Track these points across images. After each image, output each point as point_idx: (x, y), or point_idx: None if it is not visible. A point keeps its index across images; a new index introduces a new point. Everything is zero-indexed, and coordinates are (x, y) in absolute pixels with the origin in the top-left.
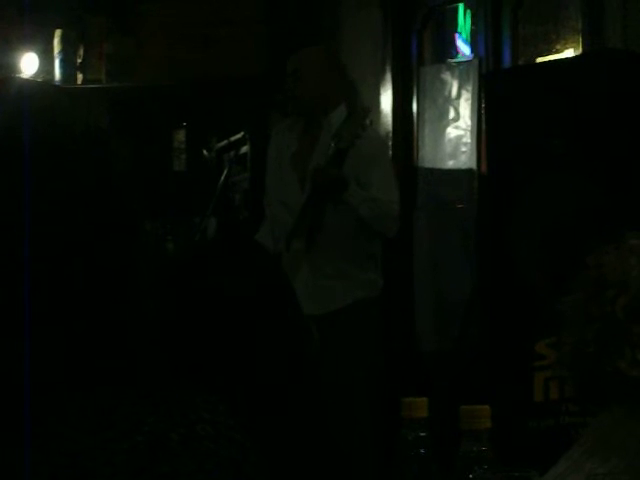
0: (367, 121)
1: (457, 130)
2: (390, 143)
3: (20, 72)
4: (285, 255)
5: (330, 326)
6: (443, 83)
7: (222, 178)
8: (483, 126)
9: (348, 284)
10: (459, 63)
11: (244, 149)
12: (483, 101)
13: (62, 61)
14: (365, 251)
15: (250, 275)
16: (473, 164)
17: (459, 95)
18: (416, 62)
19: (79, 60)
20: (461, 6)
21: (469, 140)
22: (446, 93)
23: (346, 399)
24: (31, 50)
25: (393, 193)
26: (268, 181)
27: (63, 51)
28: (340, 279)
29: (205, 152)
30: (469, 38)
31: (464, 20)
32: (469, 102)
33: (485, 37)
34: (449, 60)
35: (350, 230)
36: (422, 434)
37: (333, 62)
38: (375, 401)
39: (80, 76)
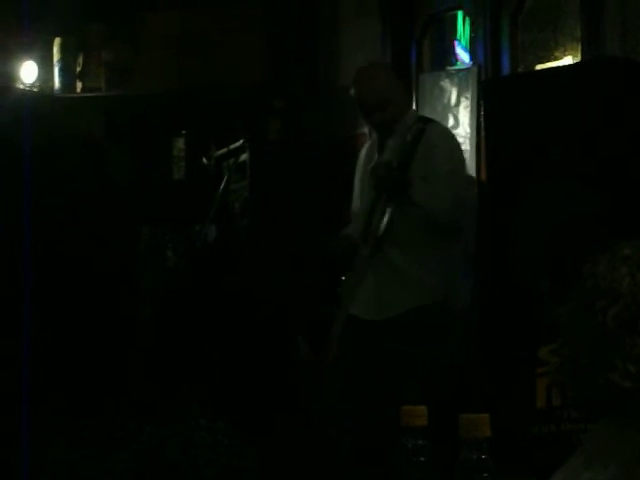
0: (410, 136)
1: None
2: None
3: (19, 80)
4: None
5: (395, 329)
6: (442, 90)
7: (221, 186)
8: (482, 133)
9: (415, 288)
10: (458, 70)
11: (243, 157)
12: (482, 108)
13: (61, 69)
14: (434, 256)
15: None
16: (472, 171)
17: (458, 102)
18: (415, 70)
19: (78, 68)
20: (460, 14)
21: (468, 147)
22: (445, 100)
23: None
24: (30, 58)
25: (455, 181)
26: (354, 196)
27: (62, 59)
28: (407, 284)
29: (204, 160)
30: (468, 46)
31: (463, 28)
32: (468, 109)
33: (484, 44)
34: (448, 68)
35: (418, 236)
36: (421, 442)
37: (393, 73)
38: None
39: (79, 84)
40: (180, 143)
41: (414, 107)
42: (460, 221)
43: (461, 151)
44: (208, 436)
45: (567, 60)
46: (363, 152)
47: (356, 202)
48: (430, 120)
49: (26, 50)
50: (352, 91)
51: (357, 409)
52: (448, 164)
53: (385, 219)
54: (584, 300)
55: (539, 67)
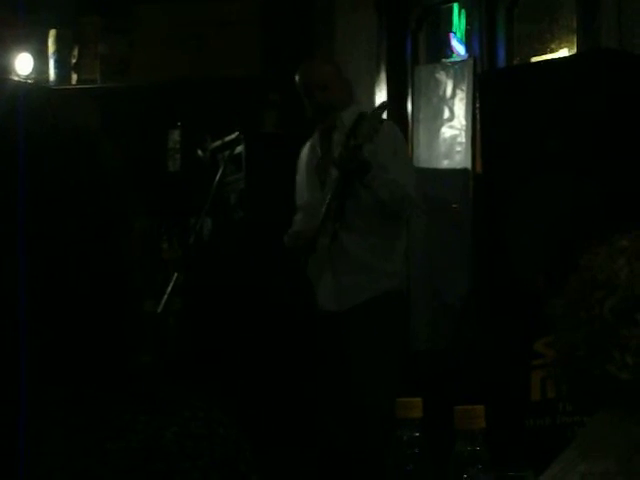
0: (384, 116)
1: (452, 130)
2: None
3: (15, 72)
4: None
5: (355, 319)
6: (438, 83)
7: (217, 178)
8: (478, 126)
9: (372, 277)
10: (454, 63)
11: (239, 149)
12: (478, 101)
13: (57, 61)
14: (388, 244)
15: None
16: (468, 163)
17: (454, 95)
18: (411, 62)
19: (74, 60)
20: (456, 6)
21: (464, 140)
22: (441, 93)
23: (372, 394)
24: (26, 50)
25: (409, 176)
26: (297, 190)
27: (58, 51)
28: (364, 273)
29: (200, 152)
30: (464, 38)
31: (459, 20)
32: (464, 102)
33: (480, 37)
34: (444, 60)
35: (373, 224)
36: (416, 434)
37: (340, 70)
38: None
39: (74, 76)
40: (175, 135)
41: (409, 101)
42: (402, 211)
43: (406, 146)
44: (203, 426)
45: (563, 52)
46: (305, 150)
47: (300, 196)
48: (380, 118)
49: (21, 42)
50: (296, 78)
51: (334, 402)
52: (398, 158)
53: (342, 212)
54: (581, 292)
55: (535, 59)
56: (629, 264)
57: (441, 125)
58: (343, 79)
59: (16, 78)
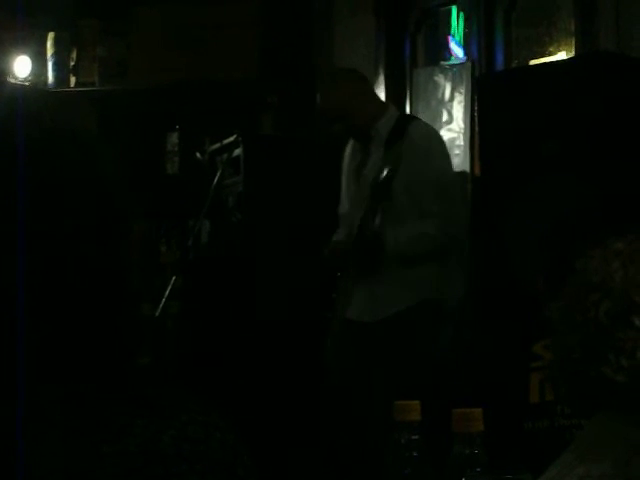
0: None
1: (450, 132)
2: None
3: (13, 75)
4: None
5: (384, 332)
6: (436, 85)
7: (215, 181)
8: (476, 129)
9: (407, 287)
10: (452, 65)
11: (237, 152)
12: (476, 103)
13: (55, 64)
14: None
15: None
16: (466, 166)
17: (452, 97)
18: (409, 65)
19: (72, 63)
20: (454, 9)
21: (462, 142)
22: (439, 95)
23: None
24: (24, 53)
25: (444, 201)
26: (342, 198)
27: (56, 54)
28: (399, 284)
29: (198, 155)
30: (462, 40)
31: (457, 23)
32: (462, 104)
33: (478, 39)
34: (442, 62)
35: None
36: (415, 437)
37: (365, 83)
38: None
39: (73, 79)
40: (174, 138)
41: (407, 104)
42: (457, 251)
43: (444, 149)
44: (201, 430)
45: (561, 55)
46: (348, 150)
47: (344, 204)
48: (411, 120)
49: (20, 44)
50: (317, 97)
51: (358, 410)
52: (434, 175)
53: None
54: (576, 295)
55: (533, 62)
56: (624, 267)
57: (439, 128)
58: (365, 94)
59: (14, 81)
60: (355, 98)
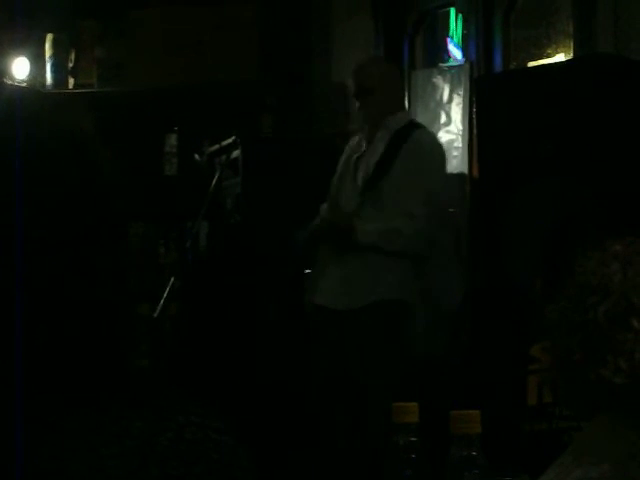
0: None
1: (449, 134)
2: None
3: (11, 76)
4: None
5: (353, 323)
6: (435, 87)
7: (213, 182)
8: (474, 130)
9: (382, 281)
10: (451, 67)
11: (236, 153)
12: (474, 105)
13: (54, 65)
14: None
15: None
16: (464, 168)
17: (451, 99)
18: (408, 66)
19: (71, 64)
20: (453, 10)
21: (460, 144)
22: (438, 97)
23: (368, 398)
24: (23, 54)
25: (420, 204)
26: (334, 179)
27: (55, 55)
28: (370, 276)
29: (197, 156)
30: (461, 42)
31: (456, 24)
32: (461, 106)
33: (477, 41)
34: (441, 64)
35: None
36: (413, 439)
37: (397, 75)
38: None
39: (72, 80)
40: (172, 139)
41: (407, 106)
42: (418, 251)
43: (443, 161)
44: (199, 432)
45: (559, 57)
46: (355, 139)
47: (334, 186)
48: (420, 126)
49: (18, 46)
50: (350, 81)
51: (336, 398)
52: (421, 182)
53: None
54: (575, 297)
55: (531, 64)
56: (622, 269)
57: (438, 130)
58: (394, 82)
59: (12, 82)
60: (385, 79)
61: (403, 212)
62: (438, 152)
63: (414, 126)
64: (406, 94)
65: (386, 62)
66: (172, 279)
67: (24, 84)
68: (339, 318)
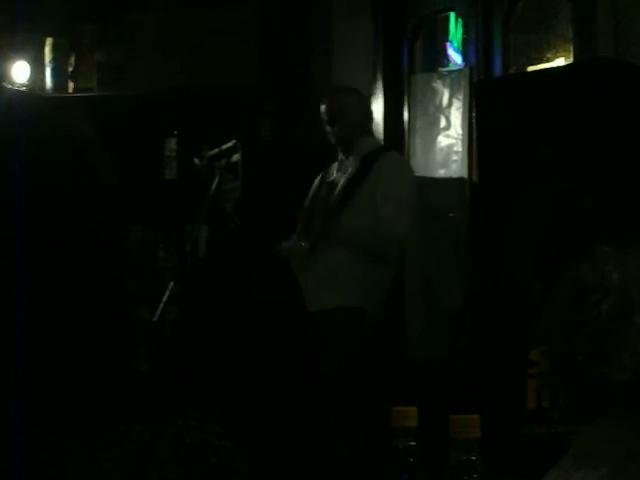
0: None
1: (448, 138)
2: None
3: (11, 80)
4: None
5: (324, 323)
6: (434, 91)
7: (213, 186)
8: (474, 134)
9: (339, 288)
10: (450, 72)
11: (235, 157)
12: (474, 109)
13: (53, 69)
14: (365, 266)
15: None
16: (464, 172)
17: (450, 103)
18: (407, 71)
19: (70, 68)
20: (452, 15)
21: (460, 149)
22: (437, 101)
23: (338, 398)
24: (22, 58)
25: (400, 217)
26: (302, 211)
27: (54, 59)
28: (336, 281)
29: (196, 160)
30: (460, 47)
31: (455, 29)
32: (460, 110)
33: (476, 46)
34: (440, 69)
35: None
36: (412, 443)
37: (365, 103)
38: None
39: (71, 84)
40: (172, 143)
41: (407, 111)
42: (392, 254)
43: (412, 178)
44: (197, 436)
45: (559, 61)
46: (328, 168)
47: (305, 211)
48: (390, 150)
49: (18, 50)
50: (322, 107)
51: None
52: (394, 189)
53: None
54: (574, 297)
55: (531, 68)
56: (618, 268)
57: (437, 134)
58: (363, 108)
59: (12, 86)
60: (354, 105)
61: (378, 219)
62: (407, 169)
63: (383, 149)
64: (405, 98)
65: (354, 91)
66: (171, 283)
67: (24, 88)
68: (313, 320)
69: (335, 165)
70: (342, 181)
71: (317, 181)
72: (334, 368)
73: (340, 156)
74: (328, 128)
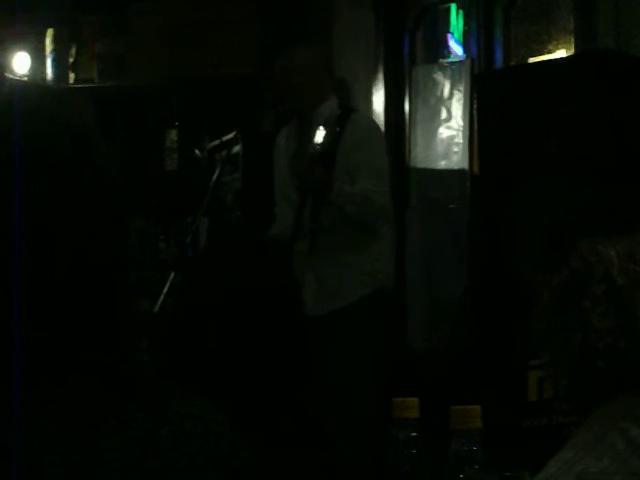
0: (337, 127)
1: (449, 130)
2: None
3: (12, 71)
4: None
5: (335, 324)
6: (435, 83)
7: (214, 178)
8: (475, 126)
9: (356, 278)
10: (451, 63)
11: (236, 149)
12: (475, 101)
13: (54, 60)
14: (369, 240)
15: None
16: (465, 164)
17: (451, 95)
18: (408, 62)
19: (71, 60)
20: (453, 6)
21: (461, 140)
22: (438, 93)
23: (349, 400)
24: (23, 49)
25: (381, 182)
26: (274, 181)
27: (55, 50)
28: (347, 274)
29: (197, 152)
30: (461, 38)
31: (456, 20)
32: (461, 102)
33: (477, 37)
34: (441, 60)
35: (345, 230)
36: (413, 434)
37: (321, 60)
38: (377, 401)
39: (72, 75)
40: (173, 134)
41: (406, 101)
42: (374, 222)
43: (383, 143)
44: (199, 424)
45: (560, 53)
46: (282, 140)
47: (279, 191)
48: (352, 109)
49: (19, 41)
50: (277, 67)
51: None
52: (371, 160)
53: (318, 213)
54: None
55: (532, 60)
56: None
57: (438, 126)
58: (319, 67)
59: (13, 77)
60: (306, 61)
61: (364, 189)
62: (376, 129)
63: (347, 111)
64: (406, 90)
65: (307, 49)
66: (172, 274)
67: (25, 79)
68: (316, 323)
69: (288, 134)
70: (312, 151)
71: (281, 161)
72: (360, 363)
73: (296, 122)
74: (279, 90)
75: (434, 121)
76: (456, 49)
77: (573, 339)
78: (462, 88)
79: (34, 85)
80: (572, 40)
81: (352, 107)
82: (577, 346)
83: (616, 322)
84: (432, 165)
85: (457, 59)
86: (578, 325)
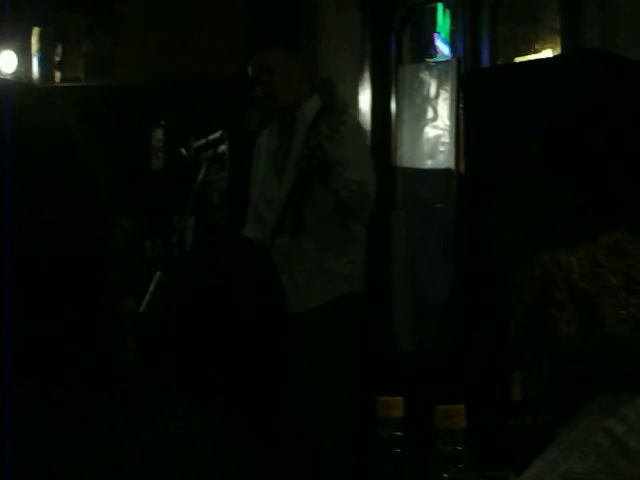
0: (346, 117)
1: (435, 130)
2: (367, 127)
3: None
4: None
5: (312, 322)
6: (422, 83)
7: (200, 177)
8: (461, 126)
9: (330, 279)
10: (438, 63)
11: (222, 148)
12: (462, 101)
13: (40, 59)
14: (346, 246)
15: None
16: (451, 164)
17: (438, 95)
18: (395, 62)
19: (57, 58)
20: (440, 6)
21: (447, 140)
22: (425, 93)
23: (325, 399)
24: (9, 48)
25: (369, 175)
26: (252, 181)
27: (41, 49)
28: (322, 275)
29: (183, 151)
30: (448, 38)
31: (443, 20)
32: (448, 102)
33: (464, 37)
34: (428, 60)
35: (331, 225)
36: (398, 433)
37: (299, 58)
38: (352, 400)
39: (58, 74)
40: (159, 134)
41: (393, 101)
42: (363, 213)
43: (367, 140)
44: (182, 426)
45: (546, 53)
46: (263, 139)
47: (258, 189)
48: (334, 108)
49: (5, 39)
50: (256, 66)
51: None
52: (359, 155)
53: (301, 209)
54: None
55: (519, 60)
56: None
57: (425, 125)
58: (298, 66)
59: (0, 76)
60: (285, 60)
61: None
62: (359, 127)
63: (330, 109)
64: (392, 89)
65: (290, 47)
66: (157, 274)
67: (11, 78)
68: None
69: (270, 135)
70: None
71: (263, 159)
72: (334, 363)
73: (278, 121)
74: (255, 86)
75: (420, 120)
76: (443, 49)
77: (545, 347)
78: (449, 88)
79: (20, 84)
80: (558, 40)
81: (334, 105)
82: (550, 352)
83: (582, 327)
84: (418, 164)
85: (444, 59)
86: (548, 333)
